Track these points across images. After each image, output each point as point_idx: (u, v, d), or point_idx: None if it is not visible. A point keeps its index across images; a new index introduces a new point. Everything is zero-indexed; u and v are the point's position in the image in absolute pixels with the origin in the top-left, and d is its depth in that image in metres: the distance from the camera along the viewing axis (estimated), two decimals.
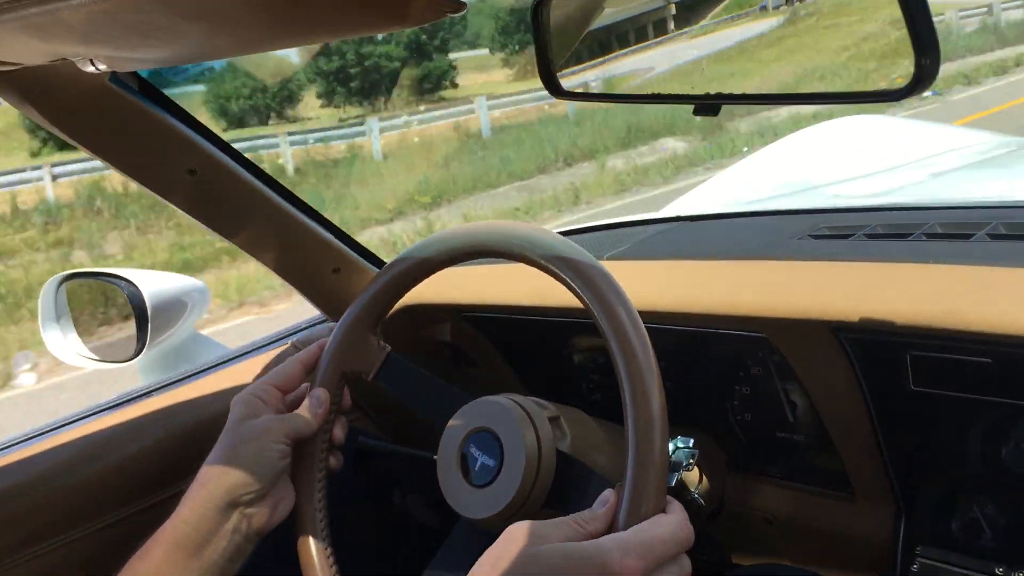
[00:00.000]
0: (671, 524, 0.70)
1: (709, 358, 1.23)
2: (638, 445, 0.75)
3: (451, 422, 0.94)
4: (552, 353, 1.36)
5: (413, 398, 0.98)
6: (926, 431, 1.04)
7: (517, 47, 24.06)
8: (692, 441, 1.15)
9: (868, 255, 0.96)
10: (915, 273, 0.90)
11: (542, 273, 0.87)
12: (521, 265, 1.30)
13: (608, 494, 0.74)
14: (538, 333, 1.31)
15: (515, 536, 0.68)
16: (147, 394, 1.29)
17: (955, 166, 1.45)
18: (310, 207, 1.28)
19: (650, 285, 1.08)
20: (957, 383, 0.96)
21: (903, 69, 0.56)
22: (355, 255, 1.30)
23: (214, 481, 0.86)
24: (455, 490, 0.91)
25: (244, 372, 1.35)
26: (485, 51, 26.58)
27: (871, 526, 1.09)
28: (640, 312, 1.09)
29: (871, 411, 1.00)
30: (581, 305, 0.82)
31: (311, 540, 0.92)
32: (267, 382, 0.95)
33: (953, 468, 1.03)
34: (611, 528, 0.71)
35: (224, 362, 1.37)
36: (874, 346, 0.96)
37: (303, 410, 0.93)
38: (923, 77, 0.56)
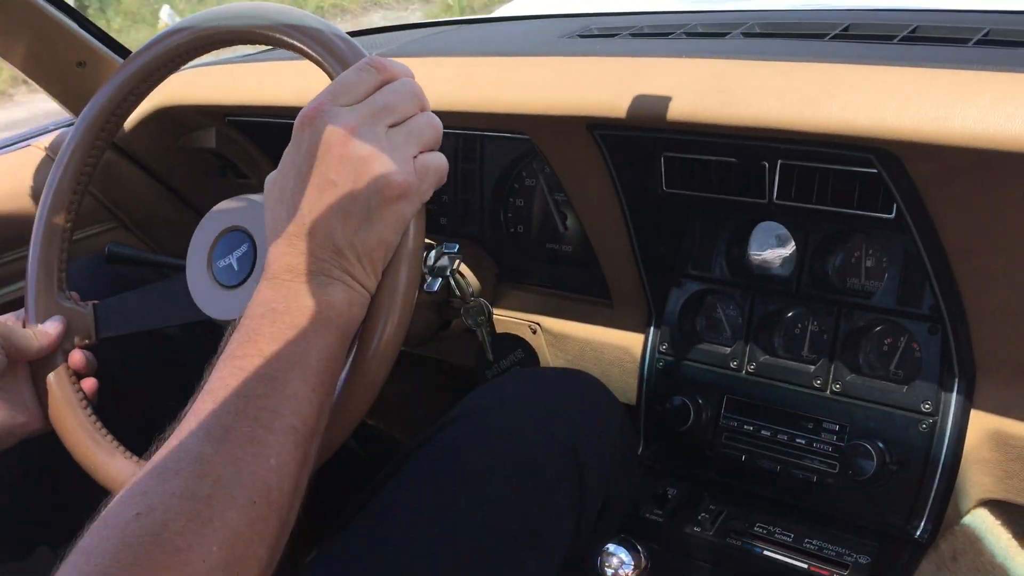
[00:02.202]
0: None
1: (484, 169, 1.22)
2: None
3: (201, 223, 0.88)
4: None
5: (146, 321, 0.90)
6: (677, 235, 1.07)
7: None
8: (457, 247, 1.15)
9: (628, 52, 0.95)
10: (669, 67, 0.89)
11: (309, 71, 0.79)
12: (289, 63, 1.22)
13: None
14: None
15: None
16: None
17: None
18: None
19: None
20: (705, 184, 0.99)
21: None
22: (102, 47, 1.19)
23: None
24: (205, 292, 0.86)
25: None
26: None
27: (626, 328, 1.13)
28: None
29: (626, 214, 1.02)
30: None
31: (80, 436, 0.84)
32: (13, 315, 0.87)
33: (701, 271, 1.08)
34: None
35: None
36: (629, 145, 0.97)
37: (35, 330, 0.84)
38: None
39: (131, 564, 0.48)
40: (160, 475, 0.53)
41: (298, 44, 0.74)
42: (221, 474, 0.53)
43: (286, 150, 0.64)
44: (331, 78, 0.70)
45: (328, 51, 0.71)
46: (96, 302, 0.89)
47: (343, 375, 0.67)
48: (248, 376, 0.57)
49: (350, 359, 0.68)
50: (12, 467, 0.92)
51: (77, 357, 0.86)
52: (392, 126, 0.63)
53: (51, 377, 0.85)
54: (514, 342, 1.20)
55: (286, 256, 0.62)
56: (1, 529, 0.91)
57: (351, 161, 0.61)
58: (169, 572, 0.49)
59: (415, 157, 0.63)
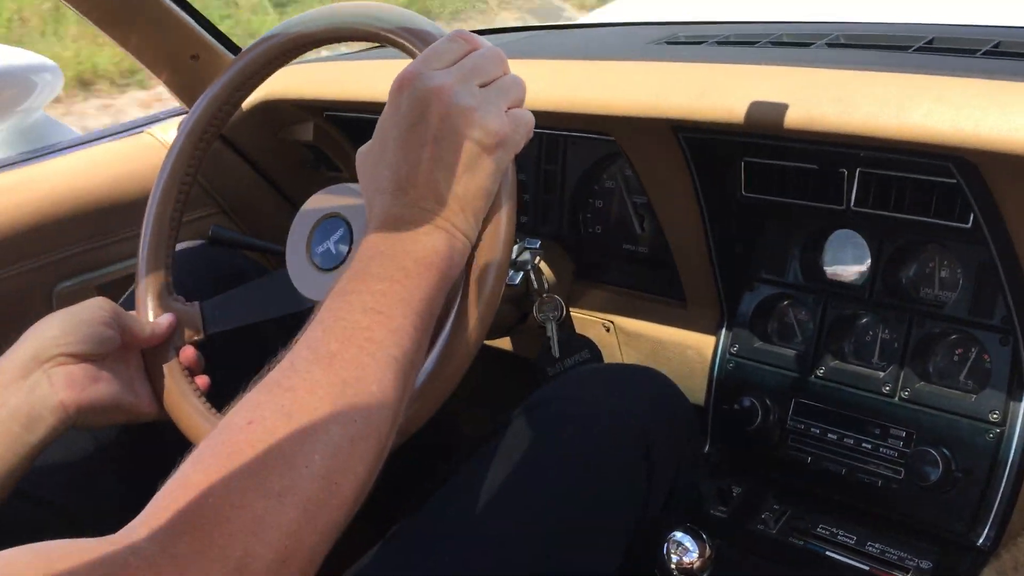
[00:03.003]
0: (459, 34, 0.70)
1: (565, 171, 1.26)
2: None
3: (300, 212, 0.94)
4: None
5: (251, 315, 0.95)
6: (753, 239, 1.11)
7: None
8: (539, 243, 1.20)
9: (714, 59, 1.00)
10: (753, 74, 0.93)
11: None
12: (387, 60, 1.29)
13: None
14: None
15: None
16: None
17: None
18: None
19: None
20: (783, 189, 1.02)
21: None
22: (215, 42, 1.27)
23: (28, 336, 0.81)
24: (305, 277, 0.91)
25: (99, 157, 1.32)
26: None
27: (698, 329, 1.17)
28: None
29: (704, 216, 1.05)
30: None
31: (197, 420, 0.87)
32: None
33: (775, 275, 1.11)
34: None
35: (77, 145, 1.33)
36: (711, 148, 1.00)
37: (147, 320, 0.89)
38: None
39: (242, 466, 0.53)
40: (271, 390, 0.58)
41: (396, 38, 0.80)
42: (327, 392, 0.57)
43: (382, 116, 0.68)
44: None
45: (421, 41, 0.76)
46: (202, 302, 0.94)
47: (448, 326, 0.72)
48: (356, 309, 0.62)
49: (455, 307, 0.72)
50: (122, 457, 0.97)
51: (189, 353, 0.90)
52: (482, 85, 0.67)
53: (165, 368, 0.89)
54: (582, 342, 1.24)
55: (392, 208, 0.66)
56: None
57: (451, 116, 0.65)
58: (275, 474, 0.53)
59: (506, 111, 0.68)
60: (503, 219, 0.70)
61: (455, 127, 0.65)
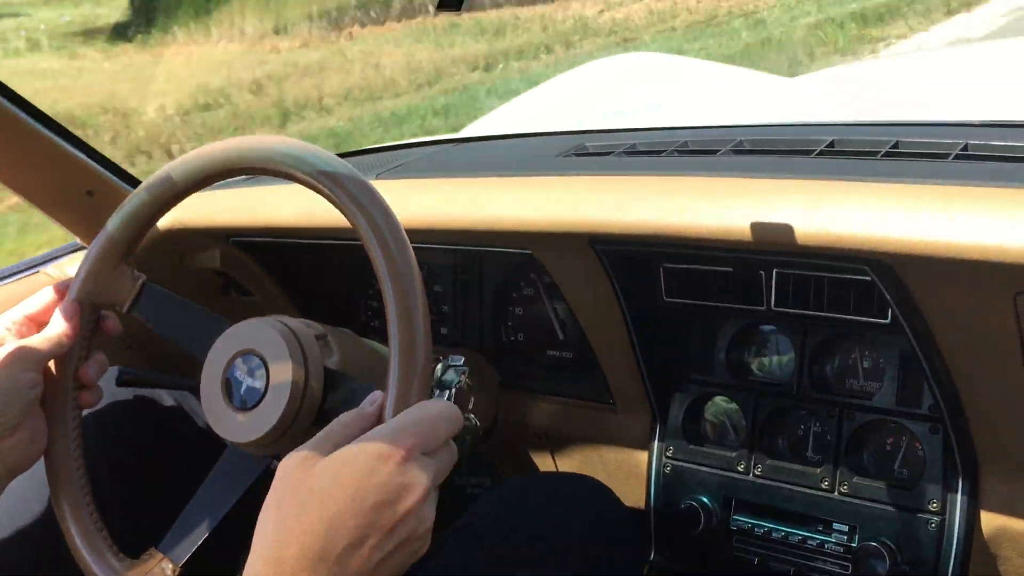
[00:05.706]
0: (437, 404, 0.68)
1: (483, 280, 1.25)
2: (401, 345, 0.73)
3: (214, 347, 0.90)
4: (328, 277, 1.33)
5: (172, 329, 0.92)
6: (678, 341, 1.10)
7: None
8: (463, 359, 1.16)
9: (624, 170, 0.99)
10: (664, 185, 0.93)
11: (313, 193, 0.83)
12: (292, 185, 1.26)
13: (376, 394, 0.72)
14: (312, 256, 1.28)
15: (287, 469, 0.64)
16: None
17: (720, 96, 1.53)
18: (57, 123, 1.18)
19: (418, 203, 1.07)
20: (704, 293, 1.02)
21: None
22: (110, 175, 1.22)
23: None
24: (220, 416, 0.87)
25: None
26: None
27: (631, 433, 1.14)
28: (409, 230, 1.08)
29: (628, 323, 1.04)
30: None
31: (64, 480, 0.86)
32: (18, 310, 0.87)
33: (702, 376, 1.10)
34: (380, 423, 0.69)
35: None
36: (629, 258, 1.00)
37: (50, 330, 0.85)
38: None
39: None
40: None
41: (313, 182, 0.77)
42: None
43: (351, 459, 0.63)
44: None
45: (337, 186, 0.74)
46: (147, 281, 0.90)
47: None
48: None
49: None
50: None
51: (90, 370, 0.88)
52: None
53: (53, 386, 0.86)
54: (486, 468, 1.23)
55: None
56: None
57: (412, 525, 0.62)
58: None
59: None
60: None
61: (410, 536, 0.63)
